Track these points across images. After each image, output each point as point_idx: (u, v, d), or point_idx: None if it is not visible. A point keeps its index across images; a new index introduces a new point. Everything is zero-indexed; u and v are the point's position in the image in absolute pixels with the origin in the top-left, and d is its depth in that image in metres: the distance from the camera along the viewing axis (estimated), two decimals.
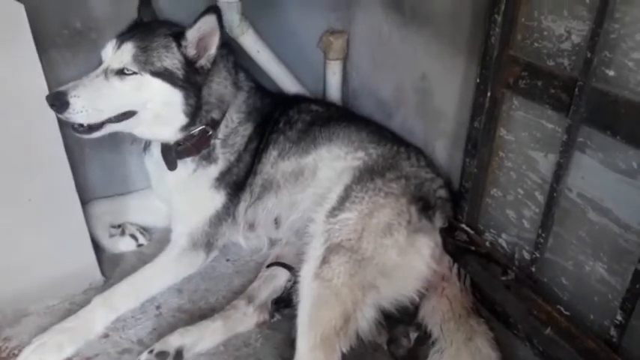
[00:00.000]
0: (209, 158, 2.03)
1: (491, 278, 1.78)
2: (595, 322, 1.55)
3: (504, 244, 1.84)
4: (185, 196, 2.07)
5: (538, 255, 1.66)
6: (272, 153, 2.11)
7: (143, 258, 2.21)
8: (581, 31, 1.41)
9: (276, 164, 2.10)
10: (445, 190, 2.01)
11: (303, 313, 1.68)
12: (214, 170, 2.04)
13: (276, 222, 2.13)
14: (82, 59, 1.98)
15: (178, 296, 2.04)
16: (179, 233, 2.08)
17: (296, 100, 2.29)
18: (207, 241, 2.10)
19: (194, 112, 1.87)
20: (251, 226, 2.19)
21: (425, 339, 1.74)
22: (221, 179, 2.05)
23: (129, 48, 1.79)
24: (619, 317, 1.43)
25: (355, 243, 1.76)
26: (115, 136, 2.22)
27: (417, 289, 1.80)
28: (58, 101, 1.67)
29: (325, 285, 1.69)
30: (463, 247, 1.89)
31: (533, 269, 1.69)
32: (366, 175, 1.92)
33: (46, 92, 1.66)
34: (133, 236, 2.27)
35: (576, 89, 1.40)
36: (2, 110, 1.61)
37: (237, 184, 2.10)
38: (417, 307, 1.84)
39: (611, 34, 1.31)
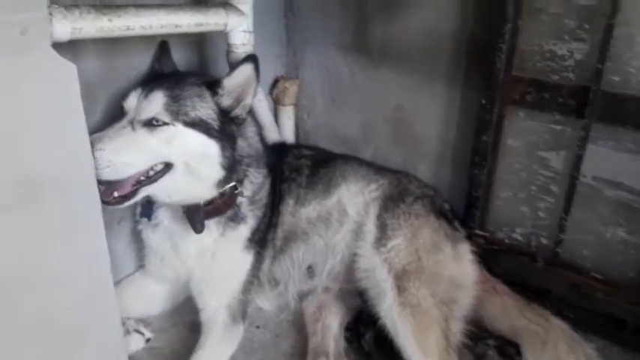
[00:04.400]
0: (236, 218, 1.85)
1: (526, 267, 2.05)
2: (620, 276, 1.92)
3: (519, 237, 2.13)
4: (214, 265, 1.84)
5: (562, 237, 1.99)
6: (289, 202, 2.04)
7: (155, 352, 1.92)
8: (581, 50, 1.80)
9: (296, 213, 2.03)
10: (447, 204, 2.23)
11: (409, 344, 1.67)
12: (245, 230, 1.87)
13: (310, 271, 2.05)
14: None
15: None
16: (215, 308, 1.83)
17: (285, 147, 2.26)
18: (242, 310, 1.90)
19: (231, 165, 1.72)
20: (275, 283, 2.06)
21: (503, 342, 1.87)
22: (252, 238, 1.90)
23: (159, 97, 1.60)
24: None
25: (417, 265, 1.83)
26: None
27: (475, 293, 1.94)
28: None
29: (417, 311, 1.72)
30: (489, 248, 2.12)
31: (559, 250, 2.01)
32: (390, 203, 2.02)
33: (92, 171, 1.36)
34: (138, 331, 1.91)
35: (590, 94, 1.77)
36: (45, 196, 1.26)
37: (262, 240, 1.96)
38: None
39: (613, 48, 1.72)
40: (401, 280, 1.78)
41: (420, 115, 2.32)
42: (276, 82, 2.58)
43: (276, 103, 2.61)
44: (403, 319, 1.71)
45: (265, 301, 2.08)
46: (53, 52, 1.19)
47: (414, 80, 2.27)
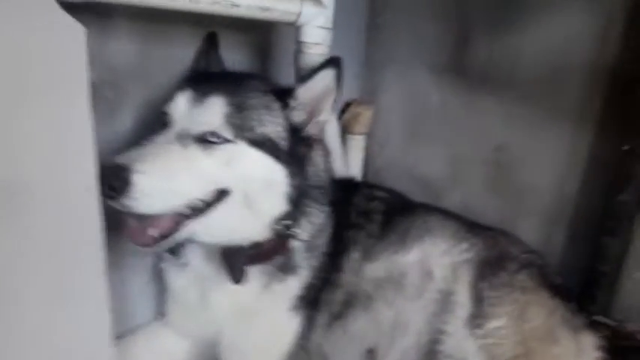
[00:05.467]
0: (286, 267, 1.41)
1: None
2: None
3: None
4: (251, 327, 1.40)
5: None
6: (352, 255, 1.56)
7: None
8: None
9: (360, 270, 1.54)
10: (558, 277, 1.69)
11: None
12: (295, 284, 1.43)
13: (371, 355, 1.54)
14: None
15: None
16: None
17: (353, 185, 1.81)
18: None
19: (297, 198, 1.32)
20: None
21: None
22: (303, 297, 1.44)
23: (218, 105, 1.22)
24: None
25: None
26: (115, 248, 1.49)
27: None
28: (118, 180, 1.02)
29: None
30: (615, 343, 1.56)
31: None
32: (487, 270, 1.52)
33: (94, 182, 0.95)
34: None
35: None
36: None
37: (316, 301, 1.50)
38: None
39: None
40: None
41: (530, 159, 1.83)
42: (347, 105, 2.16)
43: (345, 132, 2.18)
44: None
45: None
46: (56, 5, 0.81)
47: (525, 115, 1.80)
